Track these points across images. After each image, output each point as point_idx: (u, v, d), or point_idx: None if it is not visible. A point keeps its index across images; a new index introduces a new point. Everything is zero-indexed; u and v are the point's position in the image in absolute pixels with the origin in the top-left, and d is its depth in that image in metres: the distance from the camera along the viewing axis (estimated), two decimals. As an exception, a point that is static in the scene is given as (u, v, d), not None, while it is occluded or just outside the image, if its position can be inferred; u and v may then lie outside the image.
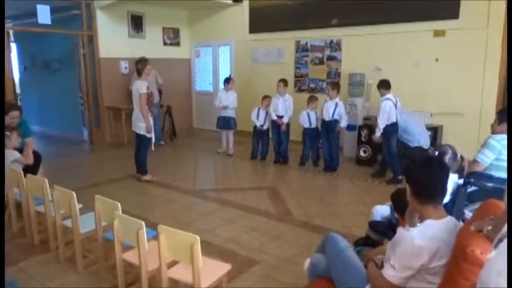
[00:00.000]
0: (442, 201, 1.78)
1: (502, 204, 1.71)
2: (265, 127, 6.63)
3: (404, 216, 2.03)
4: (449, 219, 1.76)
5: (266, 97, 6.60)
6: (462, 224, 2.59)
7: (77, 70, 8.10)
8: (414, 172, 1.78)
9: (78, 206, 3.42)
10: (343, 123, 6.03)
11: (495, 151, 3.08)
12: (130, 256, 2.63)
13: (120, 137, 7.98)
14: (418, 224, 1.79)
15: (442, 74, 6.34)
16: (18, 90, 10.92)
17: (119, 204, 2.73)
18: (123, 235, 2.61)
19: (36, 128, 10.04)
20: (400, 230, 1.75)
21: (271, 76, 7.53)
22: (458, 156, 2.62)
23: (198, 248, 2.22)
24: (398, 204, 2.54)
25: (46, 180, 3.33)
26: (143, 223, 2.42)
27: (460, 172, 2.63)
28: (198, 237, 2.22)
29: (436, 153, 2.49)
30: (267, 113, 6.59)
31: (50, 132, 9.37)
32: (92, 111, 8.14)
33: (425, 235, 1.66)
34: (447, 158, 2.52)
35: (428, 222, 1.72)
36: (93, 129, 8.18)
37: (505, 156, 3.05)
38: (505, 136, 3.12)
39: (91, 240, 3.27)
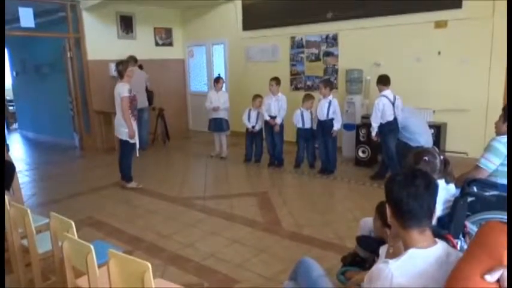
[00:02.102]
0: (430, 223, 1.44)
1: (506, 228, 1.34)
2: (257, 128, 6.30)
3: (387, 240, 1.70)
4: (440, 247, 1.41)
5: (257, 96, 6.27)
6: (462, 240, 2.26)
7: (65, 74, 7.85)
8: (394, 190, 1.44)
9: (42, 222, 3.19)
10: (337, 126, 5.63)
11: (500, 155, 2.66)
12: (85, 282, 2.32)
13: (111, 142, 7.68)
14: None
15: (445, 68, 5.96)
16: (9, 97, 10.80)
17: (73, 223, 2.42)
18: (75, 259, 2.31)
19: (29, 135, 9.89)
20: (377, 263, 1.41)
21: (266, 74, 7.16)
22: (442, 158, 2.26)
23: (149, 276, 1.90)
24: (385, 218, 2.19)
25: (5, 195, 3.05)
26: (92, 247, 2.11)
27: (446, 177, 2.27)
28: (149, 264, 1.90)
29: (426, 159, 2.15)
30: (258, 114, 6.26)
31: (42, 139, 9.16)
32: (82, 116, 7.88)
33: (408, 271, 1.32)
34: (438, 163, 2.18)
35: (412, 252, 1.38)
36: (83, 134, 7.93)
37: None
38: None
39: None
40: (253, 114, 6.29)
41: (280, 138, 6.15)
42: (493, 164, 2.67)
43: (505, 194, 2.45)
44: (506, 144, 2.64)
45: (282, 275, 2.97)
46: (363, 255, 2.53)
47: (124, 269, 2.02)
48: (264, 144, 6.45)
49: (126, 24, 8.23)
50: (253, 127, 6.29)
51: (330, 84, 5.71)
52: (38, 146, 8.82)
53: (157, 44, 8.92)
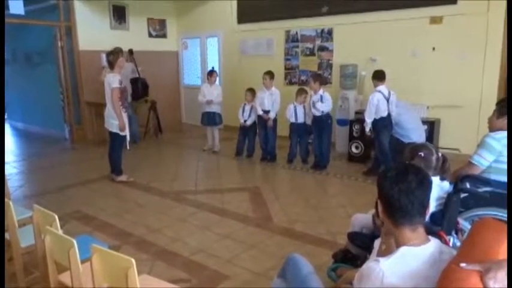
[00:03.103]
0: (423, 221, 1.39)
1: (504, 228, 1.28)
2: (249, 122, 6.23)
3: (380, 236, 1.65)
4: (432, 245, 1.37)
5: (249, 90, 6.23)
6: (454, 237, 2.22)
7: (56, 64, 7.71)
8: (386, 186, 1.39)
9: (26, 215, 3.10)
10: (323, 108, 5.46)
11: (494, 152, 2.60)
12: (67, 278, 2.25)
13: (102, 134, 7.53)
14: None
15: (440, 63, 5.93)
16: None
17: (56, 217, 2.34)
18: (58, 254, 2.24)
19: (19, 125, 9.73)
20: (367, 261, 1.36)
21: (260, 68, 7.07)
22: (440, 155, 2.22)
23: (133, 272, 1.84)
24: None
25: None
26: (74, 242, 2.04)
27: (442, 174, 2.22)
28: (134, 261, 1.83)
29: (422, 154, 2.10)
30: (252, 108, 6.19)
31: (32, 130, 9.03)
32: (72, 107, 7.76)
33: (399, 270, 1.27)
34: (434, 160, 2.13)
35: (404, 250, 1.33)
36: (74, 126, 7.81)
37: (506, 158, 2.57)
38: (505, 134, 2.61)
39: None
40: (247, 108, 6.23)
41: (273, 133, 6.09)
42: (486, 161, 2.62)
43: (499, 191, 2.42)
44: (500, 141, 2.58)
45: (272, 271, 2.91)
46: (355, 251, 2.49)
47: (108, 265, 1.96)
48: (256, 139, 6.38)
49: (119, 15, 8.09)
50: (245, 121, 6.22)
51: (319, 79, 5.62)
52: (27, 137, 8.69)
53: (150, 36, 8.80)
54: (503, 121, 2.64)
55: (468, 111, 5.73)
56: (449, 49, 5.81)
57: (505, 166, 2.57)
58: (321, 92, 5.48)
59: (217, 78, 6.90)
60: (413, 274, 1.28)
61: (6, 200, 2.70)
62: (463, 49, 5.68)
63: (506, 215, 2.30)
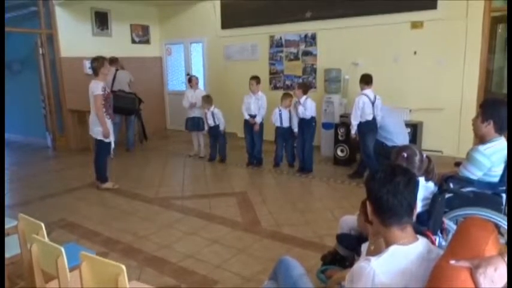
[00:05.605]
0: (411, 220, 1.42)
1: (490, 226, 1.32)
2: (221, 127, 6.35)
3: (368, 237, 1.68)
4: (421, 244, 1.40)
5: (203, 97, 6.35)
6: (440, 237, 2.27)
7: (37, 71, 7.59)
8: (374, 187, 1.42)
9: (10, 224, 3.04)
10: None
11: (482, 168, 2.52)
12: (55, 286, 2.22)
13: (85, 142, 7.47)
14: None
15: (421, 67, 6.05)
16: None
17: (43, 225, 2.30)
18: (45, 262, 2.20)
19: (-1, 134, 9.50)
20: (358, 261, 1.39)
21: (245, 73, 7.11)
22: (424, 156, 2.27)
23: (124, 279, 1.82)
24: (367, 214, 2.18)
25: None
26: (62, 249, 2.01)
27: (426, 175, 2.27)
28: (124, 267, 1.82)
29: (405, 155, 2.15)
30: (213, 113, 6.29)
31: (13, 138, 8.82)
32: (55, 115, 7.64)
33: (389, 269, 1.29)
34: (417, 160, 2.18)
35: (394, 249, 1.36)
36: (56, 134, 7.68)
37: (495, 172, 2.53)
38: (496, 148, 2.49)
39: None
40: (209, 116, 6.32)
41: (259, 137, 6.11)
42: (474, 176, 2.56)
43: (482, 191, 2.49)
44: (490, 157, 2.50)
45: (261, 275, 2.93)
46: (343, 253, 2.52)
47: (97, 272, 1.93)
48: (243, 144, 6.39)
49: (102, 21, 8.03)
50: (210, 127, 6.36)
51: (303, 87, 5.65)
52: (8, 146, 8.47)
53: (133, 42, 8.75)
54: (488, 125, 2.53)
55: (449, 113, 5.86)
56: (430, 53, 5.94)
57: (491, 179, 2.54)
58: (303, 99, 5.52)
59: (200, 83, 6.89)
60: (404, 272, 1.30)
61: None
62: (444, 53, 5.83)
63: (489, 214, 2.36)
